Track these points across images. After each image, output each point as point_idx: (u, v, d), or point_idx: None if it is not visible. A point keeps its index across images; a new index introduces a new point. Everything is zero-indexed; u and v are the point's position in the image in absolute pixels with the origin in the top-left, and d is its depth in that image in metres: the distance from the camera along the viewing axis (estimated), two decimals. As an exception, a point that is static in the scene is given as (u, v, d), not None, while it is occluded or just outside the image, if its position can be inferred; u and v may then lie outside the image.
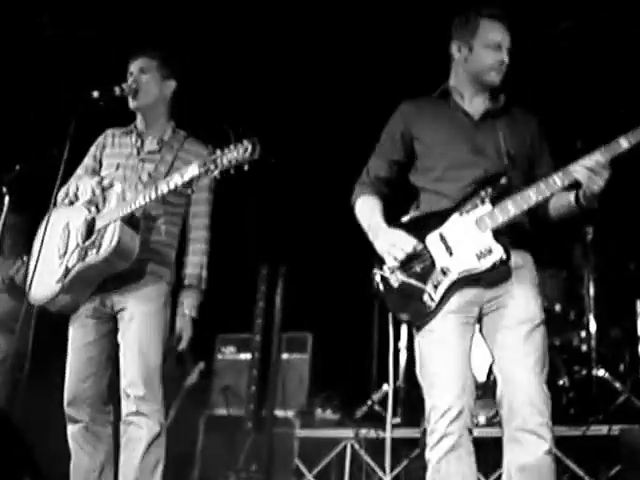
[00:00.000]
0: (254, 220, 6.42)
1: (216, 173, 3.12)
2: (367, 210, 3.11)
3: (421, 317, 2.87)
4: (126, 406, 3.35)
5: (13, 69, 6.33)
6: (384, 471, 4.87)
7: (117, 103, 3.68)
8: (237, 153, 3.06)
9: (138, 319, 3.42)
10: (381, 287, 2.93)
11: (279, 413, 5.57)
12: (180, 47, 5.60)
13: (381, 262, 2.94)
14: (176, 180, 3.27)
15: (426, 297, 2.84)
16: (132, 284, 3.46)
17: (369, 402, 5.51)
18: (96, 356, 3.48)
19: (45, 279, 3.50)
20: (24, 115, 6.37)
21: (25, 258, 5.29)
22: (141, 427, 3.31)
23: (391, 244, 2.90)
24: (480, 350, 4.94)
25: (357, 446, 5.07)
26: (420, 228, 2.94)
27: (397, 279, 2.88)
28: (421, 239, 2.91)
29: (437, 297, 2.83)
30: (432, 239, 2.91)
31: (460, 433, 2.77)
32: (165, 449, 3.36)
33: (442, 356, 2.85)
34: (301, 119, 6.43)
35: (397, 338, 5.65)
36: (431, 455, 2.81)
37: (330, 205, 6.45)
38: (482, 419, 4.76)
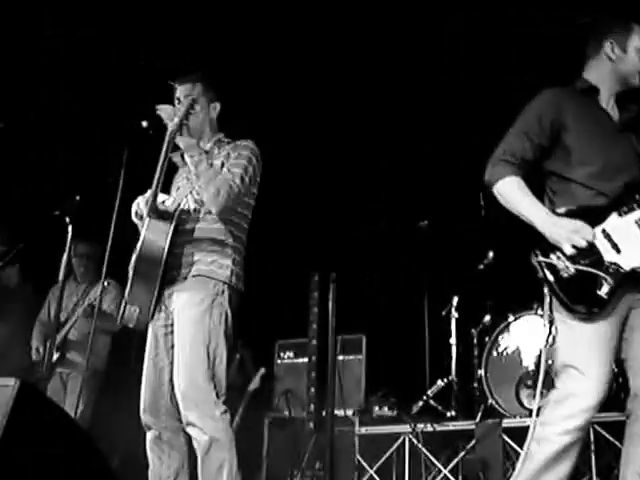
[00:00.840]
0: (302, 230, 6.60)
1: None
2: (522, 192, 3.05)
3: (592, 306, 2.90)
4: (181, 415, 3.44)
5: (63, 96, 6.63)
6: (442, 463, 5.05)
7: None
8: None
9: (180, 326, 3.51)
10: (548, 274, 2.94)
11: (339, 412, 5.69)
12: (182, 47, 5.78)
13: (543, 249, 2.97)
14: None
15: (604, 289, 2.88)
16: (181, 289, 3.55)
17: (424, 397, 5.63)
18: (167, 365, 3.55)
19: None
20: (76, 144, 6.66)
21: (107, 283, 5.60)
22: (195, 437, 3.39)
23: (572, 231, 2.92)
24: (532, 339, 5.12)
25: (415, 440, 5.20)
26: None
27: (569, 267, 2.90)
28: None
29: (609, 290, 2.88)
30: (596, 234, 2.95)
31: (587, 419, 2.92)
32: (230, 450, 3.36)
33: (596, 351, 2.92)
34: (344, 131, 6.60)
35: (447, 335, 5.84)
36: (553, 429, 2.93)
37: (372, 210, 6.68)
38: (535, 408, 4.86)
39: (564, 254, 2.92)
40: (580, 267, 2.91)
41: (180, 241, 3.61)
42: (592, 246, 2.93)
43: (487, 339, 5.39)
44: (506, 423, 4.83)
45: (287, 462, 5.70)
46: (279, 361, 6.49)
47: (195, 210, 3.66)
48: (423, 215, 6.12)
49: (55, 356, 5.64)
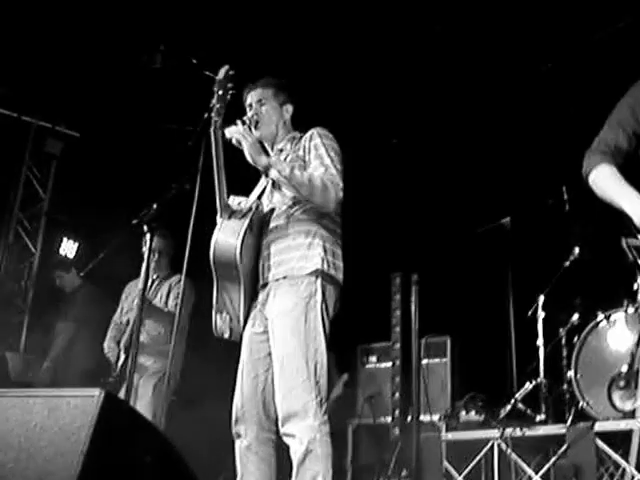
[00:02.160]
0: (382, 232, 6.64)
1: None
2: (614, 178, 3.06)
3: None
4: (279, 425, 3.46)
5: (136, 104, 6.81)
6: (532, 469, 5.01)
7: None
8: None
9: (275, 335, 3.52)
10: (637, 255, 2.95)
11: (424, 418, 5.72)
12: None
13: (630, 232, 2.95)
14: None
15: None
16: (274, 294, 3.58)
17: (512, 401, 5.55)
18: (261, 374, 3.59)
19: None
20: (153, 151, 6.82)
21: (173, 283, 5.71)
22: (291, 447, 3.40)
23: None
24: (623, 337, 5.04)
25: (504, 445, 5.17)
26: None
27: None
28: None
29: None
30: None
31: None
32: (324, 462, 3.33)
33: None
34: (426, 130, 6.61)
35: (534, 335, 5.77)
36: None
37: (451, 210, 6.67)
38: (627, 409, 4.78)
39: None
40: None
41: (267, 242, 3.67)
42: None
43: (576, 339, 5.32)
44: (599, 426, 4.76)
45: (372, 470, 5.77)
46: (362, 366, 6.53)
47: (277, 208, 3.70)
48: (505, 212, 6.10)
49: (123, 357, 5.64)
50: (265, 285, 3.64)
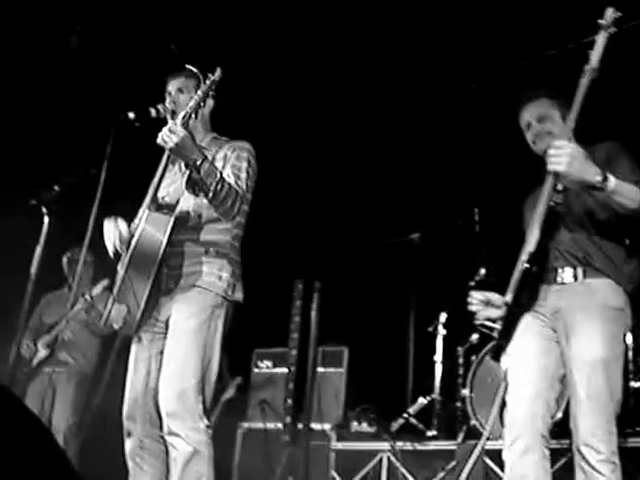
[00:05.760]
0: (288, 236, 6.60)
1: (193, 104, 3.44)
2: None
3: None
4: (164, 424, 3.45)
5: (45, 84, 6.59)
6: (420, 483, 5.06)
7: (153, 123, 3.80)
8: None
9: (177, 335, 3.51)
10: None
11: (315, 426, 5.75)
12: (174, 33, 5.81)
13: None
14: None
15: None
16: (179, 298, 3.55)
17: (405, 415, 5.65)
18: (153, 371, 3.57)
19: None
20: (58, 133, 6.59)
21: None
22: (175, 447, 3.40)
23: None
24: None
25: (393, 458, 5.23)
26: None
27: None
28: None
29: None
30: None
31: None
32: (209, 464, 3.40)
33: None
34: (333, 136, 6.60)
35: (432, 352, 5.83)
36: None
37: (360, 220, 6.68)
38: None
39: None
40: None
41: (179, 242, 3.59)
42: None
43: (473, 358, 5.40)
44: (488, 445, 4.84)
45: (259, 475, 5.73)
46: (256, 370, 6.50)
47: (195, 212, 3.64)
48: (415, 227, 6.15)
49: (44, 352, 5.75)
50: (171, 287, 3.59)
